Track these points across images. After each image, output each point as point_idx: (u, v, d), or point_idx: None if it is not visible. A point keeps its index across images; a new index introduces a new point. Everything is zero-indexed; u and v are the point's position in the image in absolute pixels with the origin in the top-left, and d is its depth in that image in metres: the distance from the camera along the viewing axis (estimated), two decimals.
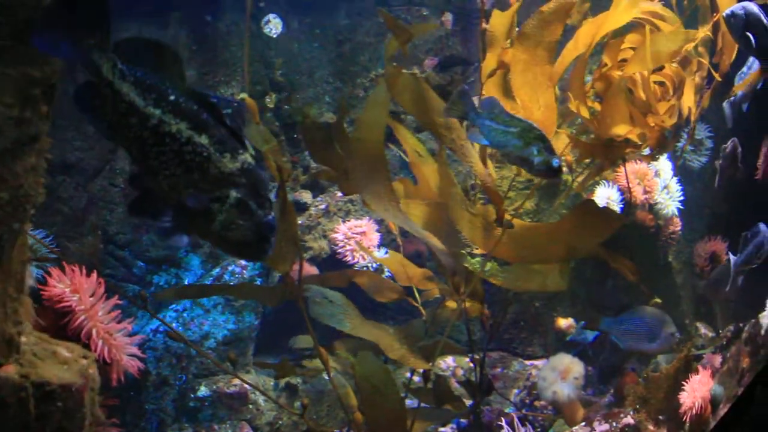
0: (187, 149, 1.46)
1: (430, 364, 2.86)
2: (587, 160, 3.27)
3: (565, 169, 3.56)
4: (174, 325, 3.86)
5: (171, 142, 1.45)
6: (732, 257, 3.44)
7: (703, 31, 3.19)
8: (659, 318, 3.31)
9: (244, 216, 1.50)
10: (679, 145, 3.97)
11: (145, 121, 1.44)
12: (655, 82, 2.94)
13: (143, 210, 1.56)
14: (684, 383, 2.91)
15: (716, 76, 3.34)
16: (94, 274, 2.31)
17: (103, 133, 1.51)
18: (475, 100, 2.53)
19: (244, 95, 2.68)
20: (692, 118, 3.29)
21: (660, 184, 3.99)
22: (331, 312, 2.69)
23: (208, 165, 1.46)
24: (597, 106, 3.08)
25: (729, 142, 3.87)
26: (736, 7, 3.00)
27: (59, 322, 2.18)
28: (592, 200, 2.89)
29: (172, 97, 1.46)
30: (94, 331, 2.21)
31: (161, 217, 1.52)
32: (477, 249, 3.03)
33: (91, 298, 2.26)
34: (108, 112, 1.46)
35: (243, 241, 1.52)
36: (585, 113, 2.90)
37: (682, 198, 4.06)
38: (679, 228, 4.09)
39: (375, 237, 3.97)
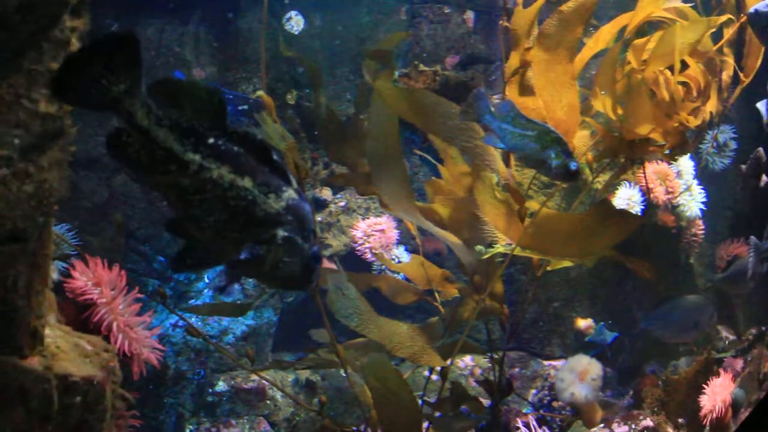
0: (230, 194, 1.41)
1: (448, 362, 2.86)
2: (607, 160, 3.25)
3: (587, 170, 3.55)
4: (193, 320, 3.87)
5: (213, 188, 1.40)
6: (754, 240, 3.32)
7: (725, 18, 3.13)
8: (699, 303, 3.28)
9: (291, 253, 1.47)
10: (703, 146, 3.93)
11: (185, 168, 1.39)
12: (679, 83, 2.91)
13: (187, 264, 1.53)
14: (704, 386, 2.88)
15: (742, 76, 3.30)
16: (116, 268, 2.33)
17: (140, 182, 1.47)
18: (498, 98, 2.52)
19: (260, 93, 2.69)
20: (716, 120, 3.25)
21: (682, 185, 3.95)
22: (342, 306, 2.68)
23: (253, 208, 1.42)
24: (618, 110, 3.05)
25: (755, 152, 3.82)
26: (761, 5, 2.96)
27: (81, 315, 2.21)
28: (609, 201, 2.87)
29: (211, 140, 1.40)
30: (114, 325, 2.23)
31: (205, 268, 1.48)
32: (501, 241, 3.02)
33: (112, 292, 2.28)
34: (144, 160, 1.40)
35: (290, 277, 1.50)
36: (610, 110, 2.88)
37: (704, 199, 4.02)
38: (701, 230, 4.05)
39: (394, 234, 3.97)
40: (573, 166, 2.37)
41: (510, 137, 2.42)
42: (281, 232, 1.44)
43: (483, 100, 2.45)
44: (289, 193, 1.45)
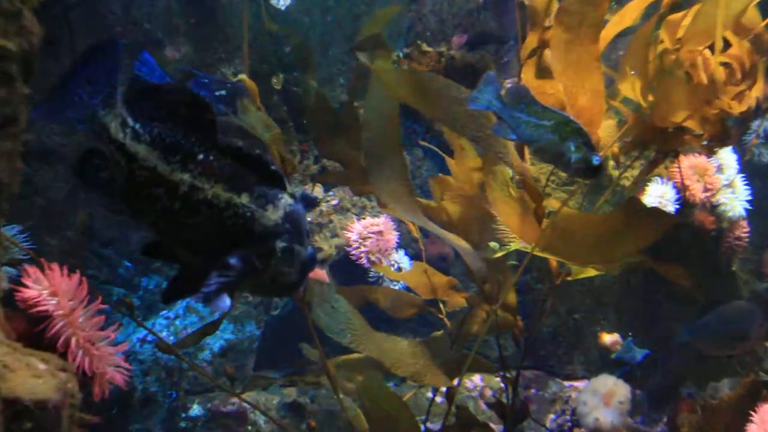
0: (227, 214, 1.41)
1: (455, 382, 2.85)
2: (636, 153, 3.24)
3: (611, 163, 3.53)
4: (164, 334, 3.87)
5: (208, 209, 1.40)
6: None
7: None
8: (747, 310, 3.28)
9: (290, 262, 1.50)
10: (748, 137, 3.92)
11: (174, 190, 1.37)
12: (720, 64, 2.89)
13: (182, 294, 1.53)
14: (751, 413, 2.86)
15: None
16: (76, 275, 2.31)
17: (118, 211, 1.45)
18: (512, 83, 2.51)
19: (242, 76, 2.68)
20: (764, 106, 3.23)
21: (723, 181, 3.94)
22: (331, 321, 2.66)
23: (252, 224, 1.43)
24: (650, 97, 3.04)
25: None
26: None
27: (34, 329, 2.18)
28: (638, 198, 2.87)
29: (201, 156, 1.39)
30: (73, 340, 2.21)
31: (201, 288, 1.46)
32: (516, 244, 3.01)
33: (71, 302, 2.26)
34: (122, 184, 1.38)
35: (287, 284, 1.53)
36: (640, 95, 2.86)
37: (749, 197, 4.00)
38: (745, 232, 4.04)
39: (393, 237, 3.96)
40: (595, 160, 2.35)
41: (523, 127, 2.40)
42: (280, 243, 1.47)
43: (493, 84, 2.43)
44: (285, 200, 1.47)
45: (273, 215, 1.45)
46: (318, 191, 4.57)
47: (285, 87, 4.58)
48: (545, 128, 2.38)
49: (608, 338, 4.17)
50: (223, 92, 3.07)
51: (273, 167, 1.45)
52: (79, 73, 1.34)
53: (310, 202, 5.06)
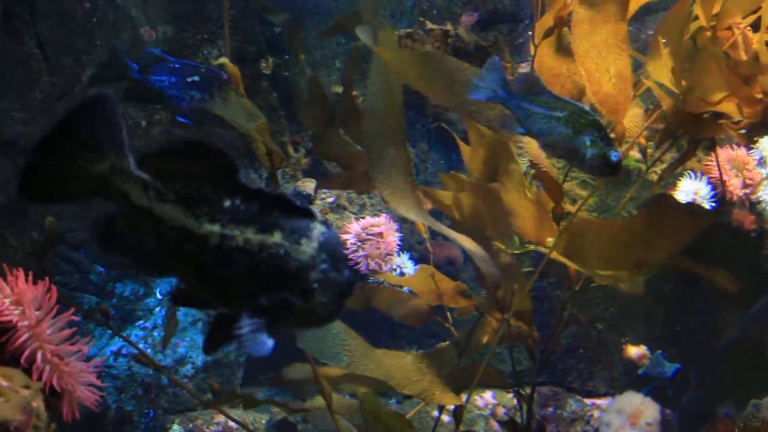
0: (261, 257, 1.48)
1: (463, 398, 2.86)
2: (665, 144, 3.24)
3: (637, 155, 3.53)
4: (141, 346, 3.87)
5: (241, 256, 1.47)
6: None
7: None
8: None
9: (327, 292, 1.56)
10: None
11: (204, 244, 1.46)
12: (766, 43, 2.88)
13: (222, 342, 1.60)
14: None
15: None
16: (43, 282, 2.31)
17: (148, 272, 1.55)
18: (526, 67, 2.51)
19: (223, 59, 2.68)
20: None
21: (765, 176, 3.94)
22: (323, 345, 2.67)
23: (287, 262, 1.50)
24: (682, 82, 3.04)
25: None
26: None
27: None
28: (669, 195, 2.87)
29: (227, 203, 1.47)
30: (39, 354, 2.21)
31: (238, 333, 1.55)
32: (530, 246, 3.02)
33: (37, 312, 2.26)
34: (150, 246, 1.46)
35: (325, 314, 1.60)
36: (668, 78, 2.86)
37: None
38: None
39: (395, 239, 3.96)
40: (614, 156, 2.34)
41: (533, 120, 2.39)
42: (315, 275, 1.53)
43: (498, 71, 2.42)
44: (318, 229, 1.53)
45: (307, 248, 1.51)
46: (311, 187, 4.57)
47: (275, 71, 4.57)
48: (557, 120, 2.37)
49: (635, 351, 4.17)
50: (196, 78, 3.07)
51: (298, 202, 1.52)
52: (68, 140, 1.38)
53: (303, 201, 5.06)
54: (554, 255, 2.77)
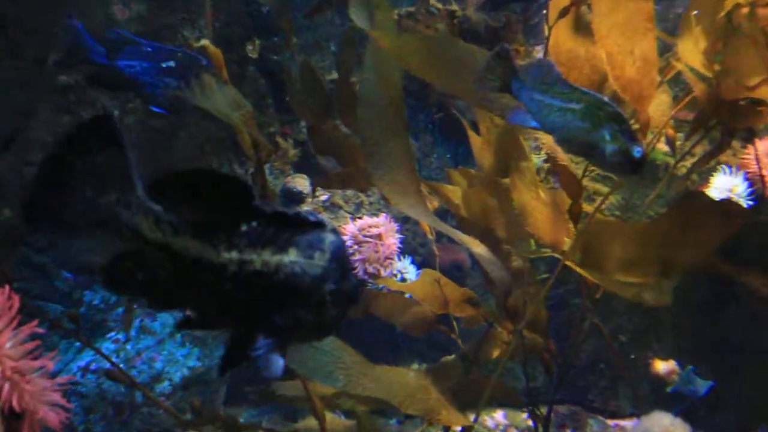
0: (278, 277, 1.55)
1: (471, 418, 2.86)
2: (697, 135, 3.23)
3: (665, 148, 3.52)
4: (113, 359, 3.87)
5: (259, 279, 1.54)
6: None
7: None
8: None
9: (339, 303, 1.64)
10: None
11: (223, 272, 1.51)
12: None
13: (238, 363, 1.66)
14: None
15: None
16: (3, 289, 2.31)
17: (158, 306, 1.64)
18: (541, 50, 2.51)
19: (204, 42, 2.67)
20: None
21: None
22: (314, 363, 2.67)
23: (302, 278, 1.57)
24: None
25: None
26: None
27: None
28: (701, 191, 2.86)
29: (244, 227, 1.52)
30: None
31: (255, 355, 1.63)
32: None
33: None
34: (165, 282, 1.51)
35: (330, 323, 1.67)
36: (706, 59, 2.85)
37: None
38: None
39: (395, 241, 3.96)
40: (637, 152, 2.33)
41: (546, 112, 2.39)
42: (329, 286, 1.61)
43: (507, 59, 2.42)
44: (329, 238, 1.60)
45: (320, 261, 1.59)
46: (303, 184, 4.57)
47: (263, 55, 4.57)
48: (574, 113, 2.36)
49: (663, 366, 4.18)
50: (172, 64, 3.05)
51: (312, 218, 1.60)
52: (70, 167, 1.42)
53: (293, 198, 5.05)
54: (570, 263, 2.77)
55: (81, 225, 1.46)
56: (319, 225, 1.60)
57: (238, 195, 1.51)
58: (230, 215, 1.52)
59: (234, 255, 1.51)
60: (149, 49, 3.01)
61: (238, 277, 1.52)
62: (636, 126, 2.74)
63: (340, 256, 1.63)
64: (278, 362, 1.64)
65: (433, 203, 3.39)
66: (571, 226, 2.81)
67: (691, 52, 2.90)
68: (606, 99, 2.37)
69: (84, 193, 1.43)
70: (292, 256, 1.56)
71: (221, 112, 2.63)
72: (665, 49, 3.11)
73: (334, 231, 1.64)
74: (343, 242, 1.65)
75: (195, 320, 1.63)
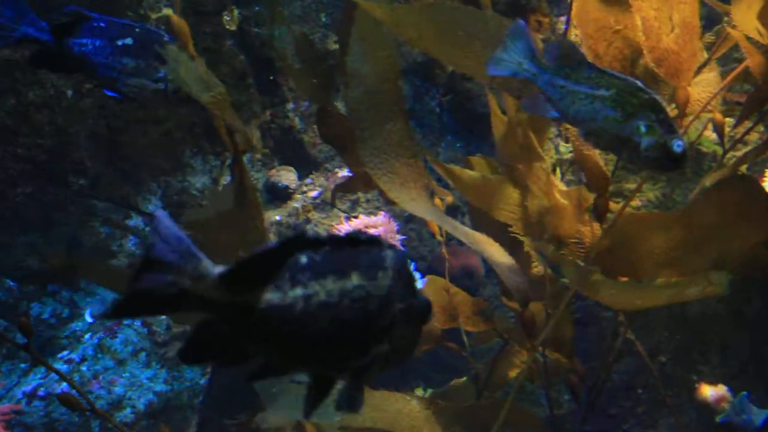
0: (343, 305, 1.66)
1: None
2: (750, 120, 3.24)
3: (712, 135, 3.53)
4: (65, 385, 3.87)
5: (324, 311, 1.64)
6: None
7: None
8: None
9: (410, 322, 1.76)
10: None
11: (289, 313, 1.63)
12: None
13: (320, 403, 1.79)
14: None
15: None
16: None
17: (233, 365, 1.71)
18: (565, 22, 2.52)
19: (167, 12, 2.68)
20: None
21: None
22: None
23: (369, 302, 1.68)
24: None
25: None
26: None
27: None
28: (749, 176, 2.86)
29: (304, 260, 1.64)
30: None
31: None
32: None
33: None
34: (241, 338, 1.64)
35: (407, 345, 1.79)
36: (756, 28, 2.85)
37: None
38: None
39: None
40: (677, 146, 2.32)
41: (570, 100, 2.39)
42: (397, 307, 1.72)
43: (524, 38, 2.42)
44: (389, 255, 1.72)
45: (385, 281, 1.71)
46: (290, 178, 4.59)
47: (242, 27, 4.59)
48: (603, 101, 2.36)
49: (711, 392, 4.16)
50: (129, 41, 3.05)
51: (363, 236, 1.70)
52: (157, 251, 1.50)
53: (279, 194, 5.08)
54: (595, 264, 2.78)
55: (169, 309, 1.57)
56: (375, 242, 1.71)
57: (296, 245, 1.61)
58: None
59: (299, 291, 1.62)
60: (102, 24, 3.01)
61: (304, 314, 1.63)
62: (672, 106, 2.74)
63: (404, 272, 1.74)
64: (359, 399, 1.75)
65: (448, 198, 3.41)
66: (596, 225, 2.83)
67: (747, 16, 2.89)
68: (640, 84, 2.36)
69: (168, 289, 1.52)
70: (354, 281, 1.67)
71: (191, 93, 2.65)
72: (712, 25, 3.12)
73: (392, 246, 1.73)
74: (403, 256, 1.74)
75: (267, 368, 1.74)
